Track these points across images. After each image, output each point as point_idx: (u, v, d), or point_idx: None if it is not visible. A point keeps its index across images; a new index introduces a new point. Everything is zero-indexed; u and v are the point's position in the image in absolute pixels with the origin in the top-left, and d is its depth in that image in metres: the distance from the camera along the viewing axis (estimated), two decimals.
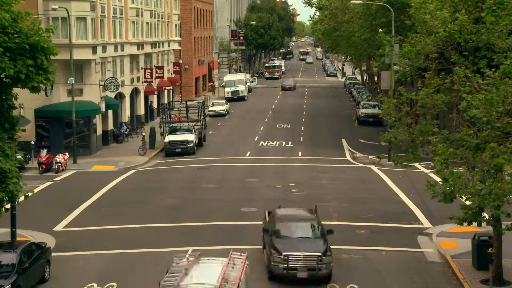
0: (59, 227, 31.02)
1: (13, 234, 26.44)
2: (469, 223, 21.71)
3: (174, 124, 54.04)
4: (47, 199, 36.60)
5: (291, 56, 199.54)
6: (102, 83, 51.47)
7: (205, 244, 27.97)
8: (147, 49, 65.05)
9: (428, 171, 40.54)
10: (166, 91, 73.72)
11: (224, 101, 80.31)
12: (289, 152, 51.90)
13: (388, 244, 28.01)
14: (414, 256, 26.76)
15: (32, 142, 46.21)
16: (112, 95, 53.79)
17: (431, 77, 25.45)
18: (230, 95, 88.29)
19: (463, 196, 21.63)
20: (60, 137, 48.50)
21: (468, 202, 21.52)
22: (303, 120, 70.21)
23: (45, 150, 44.23)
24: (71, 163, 45.92)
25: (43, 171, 43.32)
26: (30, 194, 24.32)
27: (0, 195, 22.02)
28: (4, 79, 22.95)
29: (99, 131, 52.06)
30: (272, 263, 22.78)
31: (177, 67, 77.39)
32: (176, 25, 78.79)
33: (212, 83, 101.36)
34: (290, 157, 49.73)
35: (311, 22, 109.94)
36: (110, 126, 55.11)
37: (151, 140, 52.87)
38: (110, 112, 54.39)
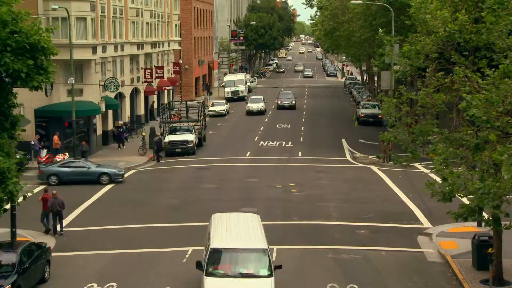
0: (59, 227, 30.98)
1: (13, 234, 26.44)
2: (465, 219, 21.71)
3: (174, 124, 54.02)
4: None
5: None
6: (102, 83, 51.48)
7: None
8: (147, 49, 65.05)
9: (428, 171, 40.54)
10: (166, 91, 73.72)
11: (224, 101, 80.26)
12: (289, 152, 51.90)
13: (388, 244, 28.01)
14: (414, 256, 26.76)
15: (32, 142, 46.18)
16: (112, 95, 53.79)
17: (431, 76, 25.41)
18: (230, 95, 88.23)
19: (462, 196, 21.63)
20: (60, 137, 48.45)
21: (467, 202, 21.52)
22: (303, 120, 70.23)
23: (45, 150, 44.22)
24: None
25: None
26: (29, 194, 24.27)
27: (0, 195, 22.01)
28: (4, 78, 22.96)
29: (99, 131, 52.06)
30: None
31: (177, 67, 77.41)
32: (176, 25, 78.79)
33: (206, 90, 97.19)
34: (290, 157, 49.73)
35: (311, 22, 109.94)
36: (110, 126, 55.12)
37: (151, 140, 52.88)
38: (110, 112, 54.38)
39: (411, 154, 25.05)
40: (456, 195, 21.70)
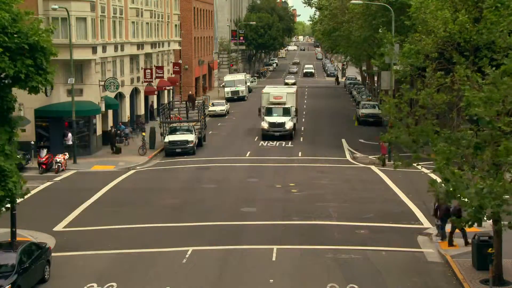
0: (59, 227, 31.01)
1: (13, 234, 26.43)
2: (470, 226, 21.69)
3: (174, 124, 54.01)
4: (47, 199, 36.59)
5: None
6: (102, 83, 51.46)
7: (205, 244, 27.98)
8: (147, 49, 65.03)
9: (428, 171, 40.55)
10: (166, 91, 73.72)
11: (224, 101, 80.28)
12: (289, 152, 51.87)
13: (388, 244, 28.00)
14: (414, 256, 26.75)
15: (32, 142, 46.20)
16: (112, 95, 53.78)
17: (431, 76, 25.41)
18: (230, 95, 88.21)
19: (463, 196, 21.61)
20: (60, 137, 48.46)
21: (467, 201, 21.49)
22: (303, 120, 70.17)
23: (45, 150, 44.20)
24: (71, 163, 45.93)
25: (43, 171, 43.30)
26: (26, 195, 24.21)
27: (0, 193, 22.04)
28: (3, 80, 22.96)
29: (99, 131, 52.05)
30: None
31: (177, 67, 77.37)
32: (176, 25, 78.77)
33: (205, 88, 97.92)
34: (290, 157, 49.72)
35: (311, 22, 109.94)
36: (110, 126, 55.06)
37: (151, 140, 52.88)
38: (110, 112, 54.37)
39: (413, 155, 25.00)
40: (457, 195, 21.69)
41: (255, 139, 57.77)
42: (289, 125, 56.69)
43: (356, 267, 25.30)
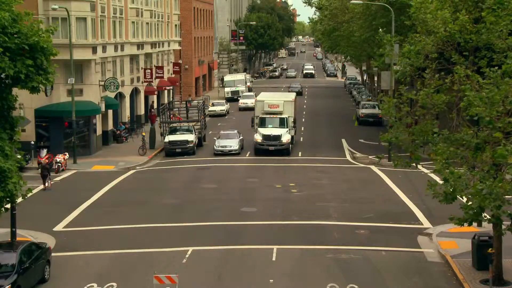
0: (59, 227, 31.02)
1: (13, 234, 26.46)
2: (470, 224, 21.71)
3: (174, 124, 54.00)
4: (47, 199, 36.59)
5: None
6: (102, 83, 51.48)
7: (205, 244, 27.98)
8: (147, 49, 65.05)
9: (428, 171, 40.56)
10: (166, 91, 73.73)
11: (224, 101, 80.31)
12: None
13: (388, 244, 28.01)
14: (414, 256, 26.76)
15: (32, 142, 46.19)
16: (112, 95, 53.79)
17: (431, 76, 25.42)
18: (230, 95, 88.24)
19: (463, 197, 21.64)
20: (60, 137, 48.48)
21: (469, 203, 21.51)
22: (303, 120, 70.16)
23: (45, 150, 44.20)
24: (71, 163, 45.93)
25: None
26: (29, 194, 24.29)
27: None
28: (4, 80, 22.99)
29: (99, 131, 52.06)
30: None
31: (177, 67, 77.35)
32: (176, 25, 78.80)
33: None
34: (290, 157, 49.69)
35: (310, 22, 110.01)
36: (110, 126, 55.11)
37: (151, 140, 52.89)
38: (110, 112, 54.38)
39: (413, 156, 25.00)
40: (458, 196, 21.71)
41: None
42: (286, 138, 49.65)
43: (356, 267, 25.31)
